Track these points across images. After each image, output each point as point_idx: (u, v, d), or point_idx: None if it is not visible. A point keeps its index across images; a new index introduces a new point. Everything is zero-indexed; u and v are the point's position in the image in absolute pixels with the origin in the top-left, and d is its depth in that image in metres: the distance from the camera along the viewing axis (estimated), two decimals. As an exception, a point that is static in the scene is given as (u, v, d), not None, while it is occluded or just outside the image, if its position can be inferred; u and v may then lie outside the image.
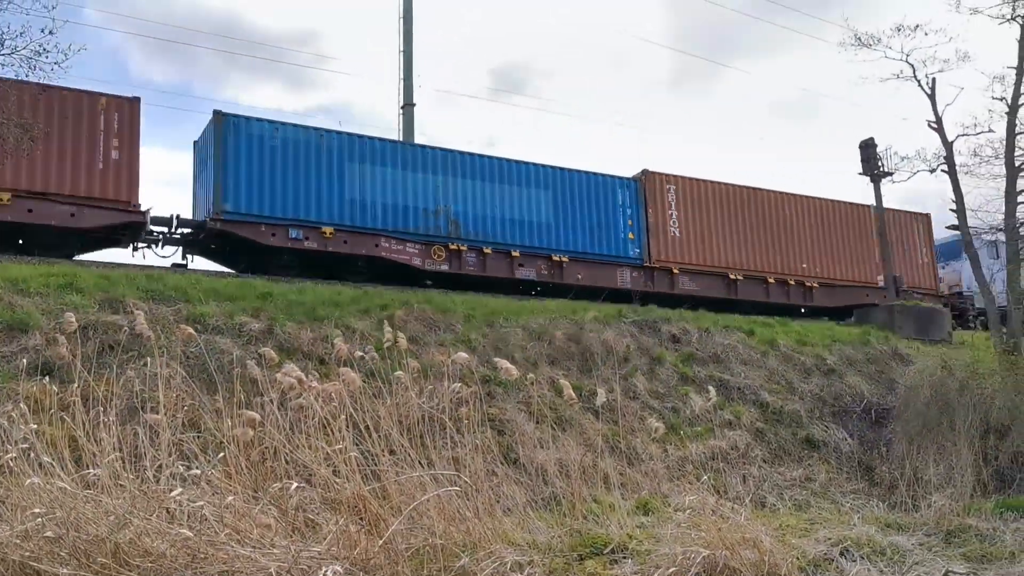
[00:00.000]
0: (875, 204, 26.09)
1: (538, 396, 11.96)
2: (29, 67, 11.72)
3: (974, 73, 61.67)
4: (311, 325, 12.25)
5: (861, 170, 25.89)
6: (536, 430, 11.21)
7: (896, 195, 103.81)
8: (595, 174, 23.21)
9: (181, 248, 19.33)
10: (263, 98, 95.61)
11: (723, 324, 17.27)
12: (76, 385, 7.42)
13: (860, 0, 47.44)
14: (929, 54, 19.66)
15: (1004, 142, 17.75)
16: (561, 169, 22.76)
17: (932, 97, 19.01)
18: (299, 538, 5.98)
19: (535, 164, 22.34)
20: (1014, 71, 17.75)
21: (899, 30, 19.47)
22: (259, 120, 19.24)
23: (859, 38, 19.83)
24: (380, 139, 20.86)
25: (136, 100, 18.08)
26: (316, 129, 19.87)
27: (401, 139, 26.43)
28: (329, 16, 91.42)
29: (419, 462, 7.24)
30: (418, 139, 27.89)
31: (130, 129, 17.77)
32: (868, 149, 25.53)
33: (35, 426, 6.77)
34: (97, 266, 14.75)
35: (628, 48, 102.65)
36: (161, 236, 19.05)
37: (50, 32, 11.59)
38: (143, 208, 17.84)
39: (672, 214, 23.65)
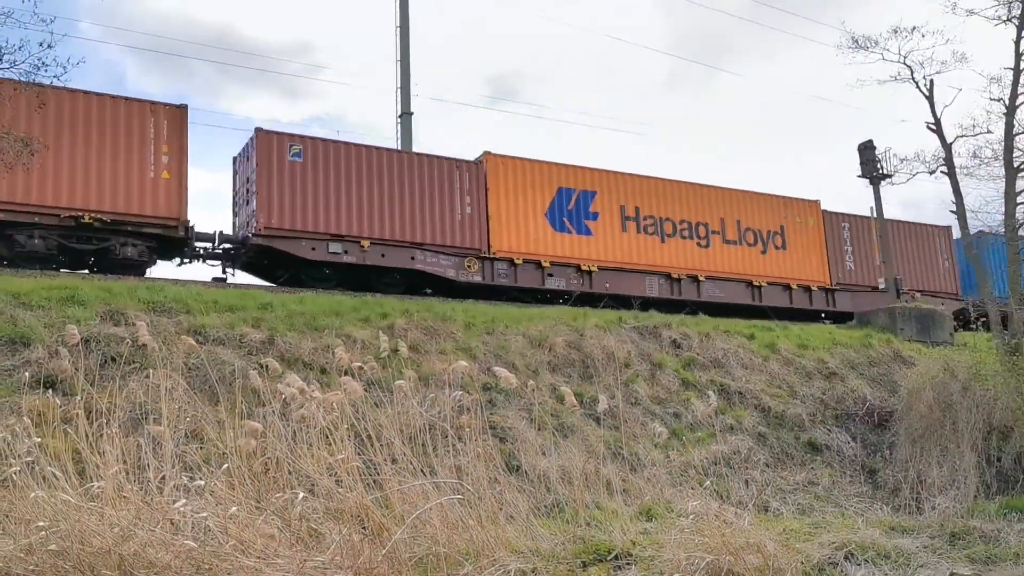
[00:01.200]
0: (875, 207, 26.13)
1: (539, 403, 11.96)
2: (29, 80, 11.74)
3: (972, 74, 61.88)
4: (312, 335, 12.25)
5: (860, 172, 25.92)
6: (538, 437, 11.21)
7: (895, 197, 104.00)
8: None
9: None
10: (259, 108, 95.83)
11: (723, 328, 17.28)
12: (79, 398, 7.46)
13: (855, 3, 47.60)
14: (927, 56, 19.55)
15: (1003, 143, 17.70)
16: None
17: (930, 99, 18.94)
18: (303, 548, 5.99)
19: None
20: (1011, 72, 17.73)
21: (896, 32, 19.41)
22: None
23: (856, 40, 19.77)
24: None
25: None
26: None
27: (399, 147, 26.36)
28: (323, 26, 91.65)
29: (421, 471, 7.26)
30: (416, 148, 27.82)
31: None
32: (867, 151, 25.53)
33: (38, 439, 6.78)
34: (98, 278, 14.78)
35: (623, 52, 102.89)
36: None
37: (48, 46, 11.61)
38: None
39: None
